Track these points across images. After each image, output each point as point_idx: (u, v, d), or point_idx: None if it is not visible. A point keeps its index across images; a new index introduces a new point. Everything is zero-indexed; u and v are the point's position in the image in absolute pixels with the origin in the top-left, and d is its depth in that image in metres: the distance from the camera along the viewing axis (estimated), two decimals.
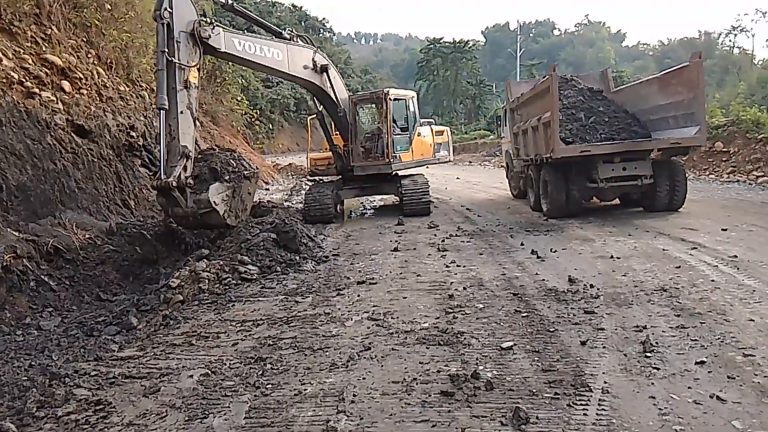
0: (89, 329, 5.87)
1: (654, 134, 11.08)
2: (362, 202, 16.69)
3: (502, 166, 18.77)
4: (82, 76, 10.77)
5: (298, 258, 8.39)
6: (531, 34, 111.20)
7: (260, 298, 6.66)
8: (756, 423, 3.26)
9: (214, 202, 8.83)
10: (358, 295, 6.46)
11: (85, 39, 11.89)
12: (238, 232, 9.12)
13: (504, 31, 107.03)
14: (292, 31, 12.44)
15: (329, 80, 12.53)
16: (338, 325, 5.42)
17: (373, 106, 14.27)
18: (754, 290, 5.64)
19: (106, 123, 10.88)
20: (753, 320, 4.81)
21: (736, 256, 7.05)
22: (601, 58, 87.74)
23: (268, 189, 19.92)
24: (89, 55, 11.73)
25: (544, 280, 6.58)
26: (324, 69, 12.40)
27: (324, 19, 75.62)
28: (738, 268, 6.52)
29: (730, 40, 63.37)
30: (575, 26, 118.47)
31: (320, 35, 75.25)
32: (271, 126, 46.98)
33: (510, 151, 15.53)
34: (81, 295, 7.22)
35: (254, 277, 7.50)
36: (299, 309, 6.08)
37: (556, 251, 8.13)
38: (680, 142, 10.20)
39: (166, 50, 8.63)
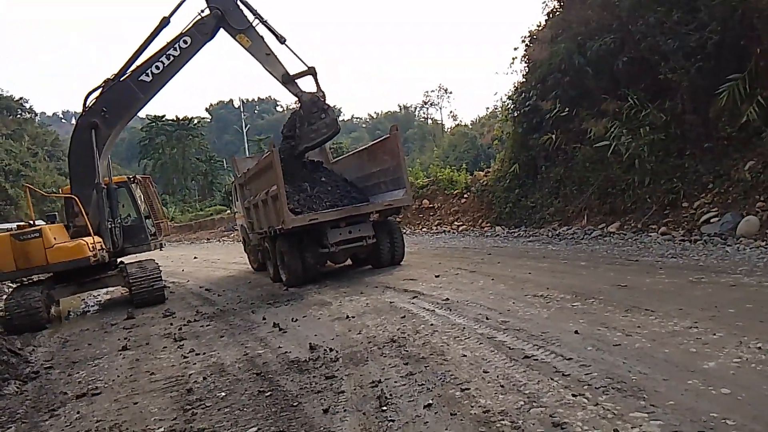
0: None
1: (371, 198, 12.31)
2: (84, 299, 14.69)
3: (240, 241, 18.61)
4: None
5: None
6: (255, 111, 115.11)
7: None
8: None
9: None
10: (78, 413, 5.51)
11: None
12: None
13: (228, 108, 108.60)
14: None
15: (95, 141, 11.73)
16: None
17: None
18: (464, 328, 6.47)
19: None
20: (465, 355, 5.47)
21: (448, 299, 8.05)
22: None
23: None
24: None
25: (286, 352, 6.55)
26: (92, 125, 11.84)
27: (22, 98, 65.60)
28: (450, 310, 7.44)
29: (424, 113, 75.44)
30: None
31: (19, 116, 65.10)
32: None
33: (245, 225, 15.53)
34: None
35: None
36: None
37: (297, 320, 8.22)
38: (392, 203, 11.53)
39: None
